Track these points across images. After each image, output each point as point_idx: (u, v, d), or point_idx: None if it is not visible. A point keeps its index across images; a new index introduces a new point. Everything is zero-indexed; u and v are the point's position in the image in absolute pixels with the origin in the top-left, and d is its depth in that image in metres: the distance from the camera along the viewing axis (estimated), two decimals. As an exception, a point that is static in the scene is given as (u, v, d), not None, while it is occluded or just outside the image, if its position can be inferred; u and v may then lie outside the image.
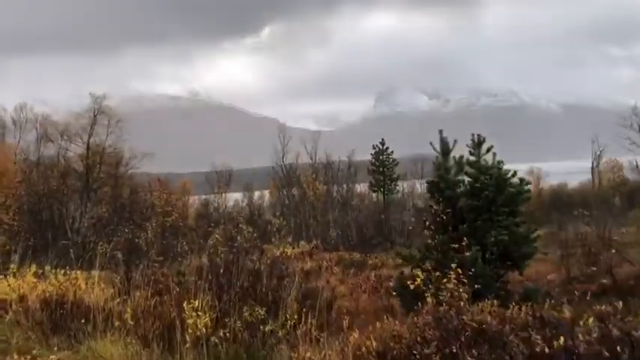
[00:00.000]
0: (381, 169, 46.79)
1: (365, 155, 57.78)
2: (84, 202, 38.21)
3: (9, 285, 12.01)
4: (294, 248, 30.09)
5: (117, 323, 9.35)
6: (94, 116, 40.28)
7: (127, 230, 25.38)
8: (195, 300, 9.22)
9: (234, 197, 74.37)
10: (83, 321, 9.93)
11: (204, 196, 72.07)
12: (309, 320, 8.56)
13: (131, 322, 9.59)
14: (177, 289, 10.99)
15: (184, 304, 8.59)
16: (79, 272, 12.66)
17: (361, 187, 56.26)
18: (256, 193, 77.92)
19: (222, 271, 9.95)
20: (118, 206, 43.73)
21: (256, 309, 9.77)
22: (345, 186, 54.24)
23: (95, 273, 12.69)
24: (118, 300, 11.09)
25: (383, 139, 47.29)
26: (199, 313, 8.50)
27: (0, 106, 44.43)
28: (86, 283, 12.17)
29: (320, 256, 26.87)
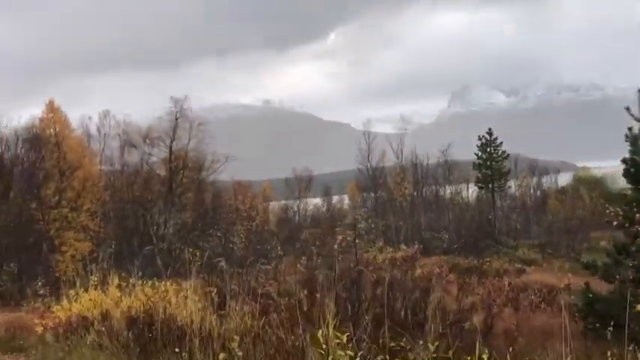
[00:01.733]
0: (488, 162, 42.23)
1: (439, 157, 54.57)
2: (168, 208, 37.45)
3: (90, 299, 10.27)
4: (382, 253, 27.62)
5: (221, 356, 7.12)
6: (176, 119, 39.67)
7: (219, 234, 23.96)
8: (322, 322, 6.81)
9: (312, 202, 73.13)
10: (177, 350, 7.74)
11: (283, 202, 71.26)
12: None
13: (238, 352, 7.32)
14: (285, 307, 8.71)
15: (315, 331, 6.20)
16: (168, 284, 10.68)
17: (452, 188, 52.77)
18: (334, 198, 76.46)
19: (350, 284, 7.63)
20: (202, 212, 42.99)
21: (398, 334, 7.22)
22: (435, 186, 50.97)
23: (187, 284, 10.68)
24: (215, 318, 8.82)
25: (490, 129, 42.99)
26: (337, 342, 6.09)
27: (85, 115, 44.82)
28: (177, 297, 10.15)
29: (421, 262, 24.04)
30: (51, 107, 33.69)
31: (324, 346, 6.51)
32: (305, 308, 8.00)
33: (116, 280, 10.09)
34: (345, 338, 6.60)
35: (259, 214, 48.59)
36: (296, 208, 67.75)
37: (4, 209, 27.72)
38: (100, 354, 8.91)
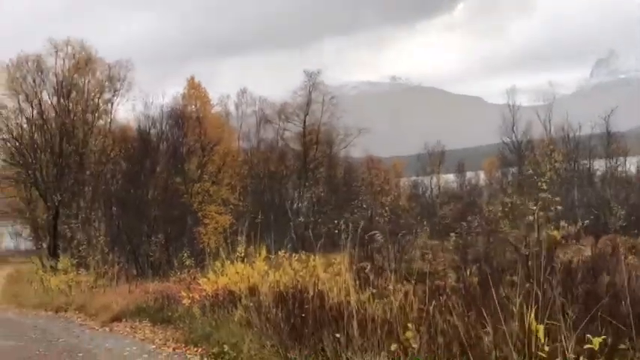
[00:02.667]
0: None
1: (585, 129, 48.77)
2: (302, 182, 37.44)
3: (237, 272, 9.60)
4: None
5: (393, 346, 5.84)
6: (309, 93, 39.38)
7: (364, 206, 23.11)
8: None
9: (444, 178, 70.19)
10: (338, 335, 6.58)
11: (412, 178, 69.21)
12: None
13: (413, 344, 6.00)
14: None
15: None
16: (316, 258, 9.67)
17: (609, 161, 47.09)
18: (467, 174, 72.76)
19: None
20: (334, 186, 42.67)
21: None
22: (589, 159, 45.82)
23: (336, 259, 9.59)
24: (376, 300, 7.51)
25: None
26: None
27: (223, 94, 46.24)
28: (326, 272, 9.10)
29: (584, 242, 21.00)
30: (192, 84, 34.90)
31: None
32: (488, 293, 6.42)
33: (264, 253, 9.31)
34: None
35: (392, 189, 47.24)
36: (427, 184, 65.57)
37: (152, 183, 29.26)
38: (248, 331, 8.11)
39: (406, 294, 7.15)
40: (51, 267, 22.51)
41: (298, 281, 8.82)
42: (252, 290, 9.03)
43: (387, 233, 9.53)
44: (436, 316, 6.47)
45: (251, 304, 8.44)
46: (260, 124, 42.78)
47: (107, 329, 12.44)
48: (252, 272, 9.05)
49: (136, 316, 13.03)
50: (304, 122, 39.24)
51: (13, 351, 10.49)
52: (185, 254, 15.38)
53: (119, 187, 29.62)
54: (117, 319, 13.14)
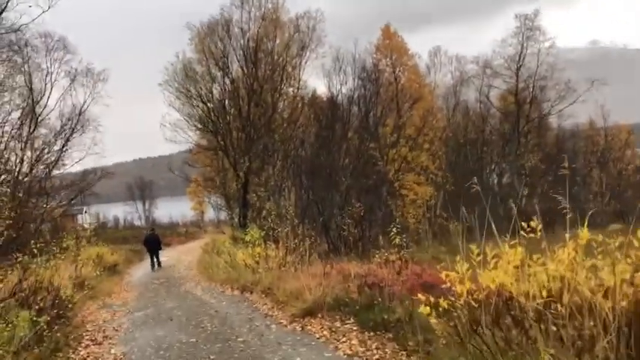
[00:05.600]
0: None
1: None
2: (513, 149, 31.49)
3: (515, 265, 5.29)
4: None
5: None
6: (523, 39, 32.69)
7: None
8: None
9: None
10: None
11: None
12: None
13: None
14: None
15: None
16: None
17: None
18: None
19: None
20: (547, 156, 35.85)
21: None
22: None
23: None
24: None
25: None
26: None
27: (416, 53, 41.29)
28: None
29: None
30: (387, 33, 30.62)
31: None
32: None
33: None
34: None
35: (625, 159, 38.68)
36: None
37: (343, 150, 26.14)
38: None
39: None
40: (240, 239, 20.64)
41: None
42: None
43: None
44: None
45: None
46: (458, 85, 37.31)
47: (298, 327, 9.19)
48: (558, 267, 4.69)
49: (336, 311, 9.57)
50: (517, 76, 32.90)
51: (179, 352, 7.70)
52: (394, 230, 11.53)
53: (309, 154, 27.04)
54: (310, 313, 9.79)
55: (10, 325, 8.34)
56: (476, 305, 5.20)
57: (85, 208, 51.43)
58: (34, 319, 9.05)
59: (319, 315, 9.48)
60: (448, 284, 5.40)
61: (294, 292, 11.28)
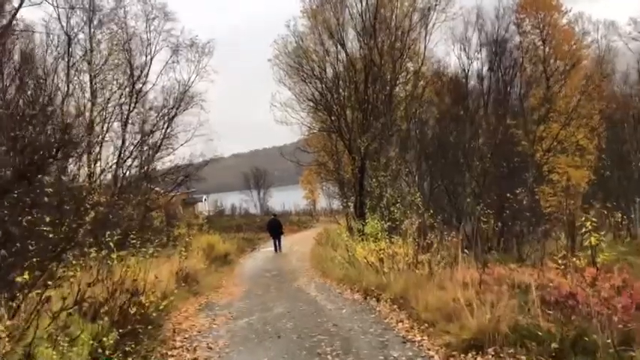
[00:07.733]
0: None
1: None
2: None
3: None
4: None
5: None
6: None
7: None
8: None
9: None
10: None
11: None
12: None
13: None
14: None
15: None
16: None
17: None
18: None
19: None
20: None
21: None
22: None
23: None
24: None
25: None
26: None
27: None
28: None
29: None
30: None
31: None
32: None
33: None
34: None
35: None
36: None
37: (476, 128, 22.22)
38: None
39: None
40: (358, 230, 17.89)
41: None
42: None
43: None
44: None
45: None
46: (606, 53, 31.19)
47: (461, 372, 6.03)
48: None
49: (516, 347, 6.34)
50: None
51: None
52: (588, 225, 7.95)
53: (434, 133, 23.52)
54: (475, 346, 6.64)
55: (63, 347, 6.14)
56: None
57: (204, 197, 51.84)
58: (102, 338, 6.84)
59: (491, 352, 6.31)
60: None
61: (441, 309, 8.21)
